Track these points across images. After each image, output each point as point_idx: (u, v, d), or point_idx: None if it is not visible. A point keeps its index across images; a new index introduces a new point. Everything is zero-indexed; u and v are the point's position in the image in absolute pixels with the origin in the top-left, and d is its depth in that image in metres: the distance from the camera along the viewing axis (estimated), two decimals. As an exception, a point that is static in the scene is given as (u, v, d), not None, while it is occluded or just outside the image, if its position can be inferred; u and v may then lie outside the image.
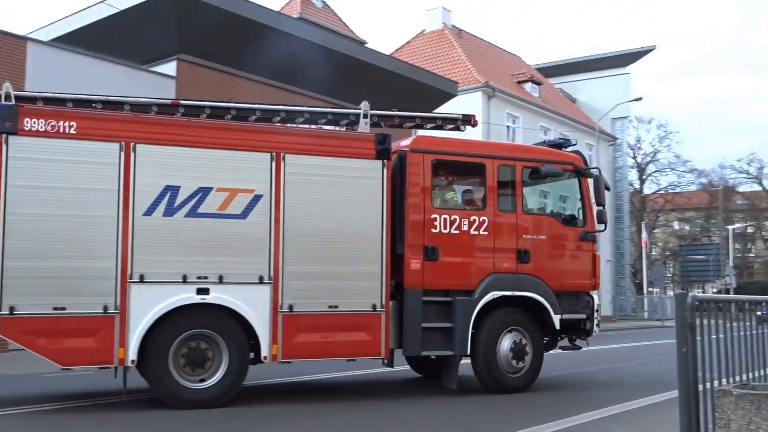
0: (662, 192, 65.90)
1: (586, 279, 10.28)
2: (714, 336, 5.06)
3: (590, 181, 10.28)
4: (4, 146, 7.63)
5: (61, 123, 7.87)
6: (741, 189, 69.64)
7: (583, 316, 10.11)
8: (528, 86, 39.85)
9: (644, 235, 49.33)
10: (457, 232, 9.48)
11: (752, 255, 76.50)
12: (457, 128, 10.52)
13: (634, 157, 61.57)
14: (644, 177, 63.32)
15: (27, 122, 7.75)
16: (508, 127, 35.90)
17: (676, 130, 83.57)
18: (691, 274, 50.84)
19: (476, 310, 9.31)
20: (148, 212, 8.05)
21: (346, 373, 11.69)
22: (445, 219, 9.43)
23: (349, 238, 8.86)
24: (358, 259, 8.88)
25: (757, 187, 68.98)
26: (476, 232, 9.60)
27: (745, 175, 68.16)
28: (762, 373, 5.79)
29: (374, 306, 8.84)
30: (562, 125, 40.75)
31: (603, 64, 49.83)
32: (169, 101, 9.33)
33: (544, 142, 11.51)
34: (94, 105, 8.58)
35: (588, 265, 10.28)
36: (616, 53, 50.22)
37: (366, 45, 28.76)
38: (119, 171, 7.97)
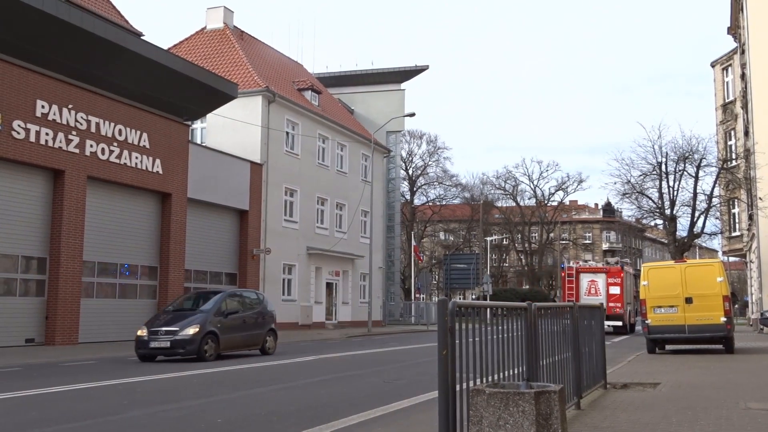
0: (430, 204, 69.91)
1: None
2: (471, 339, 5.35)
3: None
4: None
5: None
6: (498, 204, 75.86)
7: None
8: (308, 94, 40.24)
9: (413, 243, 51.85)
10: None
11: (506, 264, 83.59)
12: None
13: (406, 170, 64.66)
14: (415, 189, 66.73)
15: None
16: (287, 133, 35.94)
17: (445, 146, 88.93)
18: (454, 282, 54.30)
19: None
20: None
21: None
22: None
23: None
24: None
25: (511, 203, 75.54)
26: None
27: (501, 191, 74.41)
28: (511, 372, 6.24)
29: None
30: (340, 135, 41.66)
31: (380, 79, 51.77)
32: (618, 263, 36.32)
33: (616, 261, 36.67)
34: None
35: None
36: (392, 69, 52.41)
37: (142, 37, 27.29)
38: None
